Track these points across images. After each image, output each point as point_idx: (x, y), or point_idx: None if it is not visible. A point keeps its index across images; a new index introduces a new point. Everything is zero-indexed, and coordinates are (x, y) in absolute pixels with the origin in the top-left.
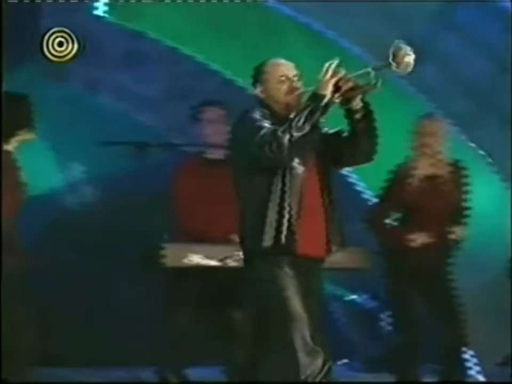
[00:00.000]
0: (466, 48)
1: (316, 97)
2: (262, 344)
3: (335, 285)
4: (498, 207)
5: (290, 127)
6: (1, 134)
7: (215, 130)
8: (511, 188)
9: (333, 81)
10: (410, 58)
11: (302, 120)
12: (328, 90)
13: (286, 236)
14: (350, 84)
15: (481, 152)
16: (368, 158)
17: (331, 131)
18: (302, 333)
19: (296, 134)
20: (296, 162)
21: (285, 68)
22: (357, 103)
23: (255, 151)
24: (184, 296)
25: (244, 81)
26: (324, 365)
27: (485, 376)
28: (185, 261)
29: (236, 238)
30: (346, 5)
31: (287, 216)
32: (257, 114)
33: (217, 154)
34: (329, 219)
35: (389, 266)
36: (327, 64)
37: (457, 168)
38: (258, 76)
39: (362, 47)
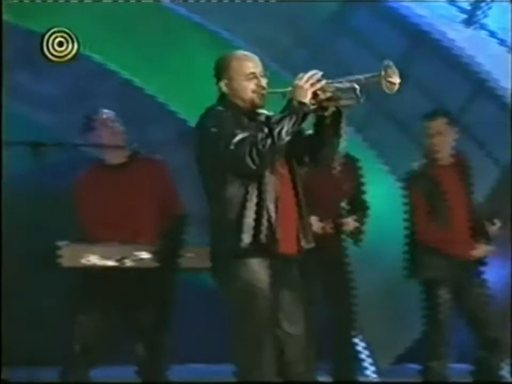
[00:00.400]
0: (359, 50)
1: (295, 105)
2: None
3: None
4: (393, 207)
5: (271, 135)
6: (1, 132)
7: (110, 133)
8: None
9: (313, 89)
10: (396, 80)
11: (284, 130)
12: (307, 98)
13: (267, 236)
14: (328, 94)
15: (375, 152)
16: (329, 163)
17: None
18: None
19: (278, 143)
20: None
21: (252, 64)
22: (329, 111)
23: (231, 159)
24: (88, 297)
25: (141, 81)
26: None
27: (380, 375)
28: (83, 261)
29: (138, 239)
30: (241, 5)
31: (266, 216)
32: (226, 117)
33: (116, 158)
34: (302, 218)
35: None
36: (309, 73)
37: (350, 161)
38: (223, 70)
39: (257, 47)
